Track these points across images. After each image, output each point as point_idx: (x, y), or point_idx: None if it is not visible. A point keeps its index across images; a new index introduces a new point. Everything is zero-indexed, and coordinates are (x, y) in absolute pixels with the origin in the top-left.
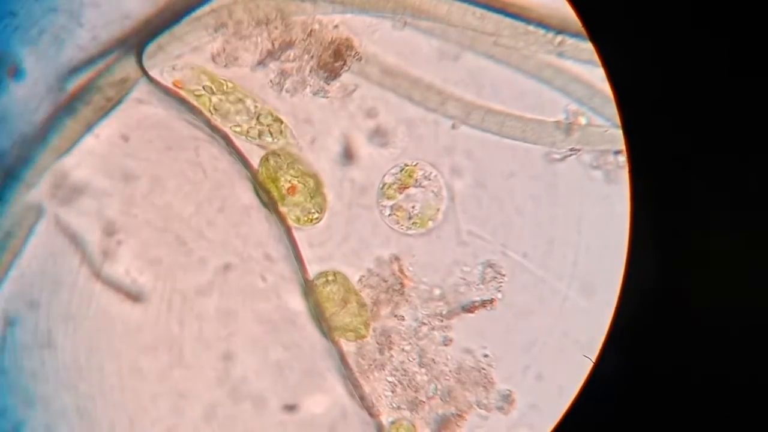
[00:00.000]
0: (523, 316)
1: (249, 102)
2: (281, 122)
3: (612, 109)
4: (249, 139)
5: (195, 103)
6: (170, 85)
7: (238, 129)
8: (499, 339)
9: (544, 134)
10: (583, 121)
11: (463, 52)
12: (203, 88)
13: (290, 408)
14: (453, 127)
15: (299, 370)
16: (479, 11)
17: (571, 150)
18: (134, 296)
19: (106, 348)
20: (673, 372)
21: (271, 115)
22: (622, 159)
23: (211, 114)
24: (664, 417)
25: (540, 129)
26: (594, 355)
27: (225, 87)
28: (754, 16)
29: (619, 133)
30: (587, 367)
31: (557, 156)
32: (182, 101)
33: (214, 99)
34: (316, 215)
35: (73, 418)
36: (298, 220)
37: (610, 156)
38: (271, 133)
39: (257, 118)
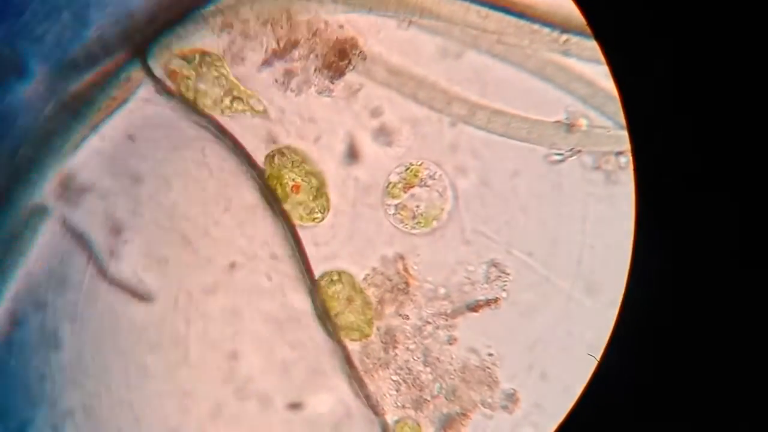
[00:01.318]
0: (528, 315)
1: (221, 75)
2: (245, 93)
3: (614, 107)
4: (225, 113)
5: (195, 101)
6: (167, 80)
7: (209, 102)
8: (503, 338)
9: (550, 136)
10: (584, 123)
11: (467, 50)
12: (191, 63)
13: (295, 407)
14: (452, 124)
15: (304, 368)
16: (484, 10)
17: (572, 151)
18: (140, 295)
19: (113, 347)
20: (678, 371)
21: (238, 88)
22: (624, 160)
23: (192, 92)
24: (668, 416)
25: (546, 130)
26: (598, 354)
27: (209, 60)
28: (760, 15)
29: (621, 134)
30: (592, 366)
31: (558, 158)
32: (187, 101)
33: (199, 78)
34: (319, 215)
35: (79, 418)
36: (300, 218)
37: (612, 157)
38: (241, 102)
39: (227, 92)
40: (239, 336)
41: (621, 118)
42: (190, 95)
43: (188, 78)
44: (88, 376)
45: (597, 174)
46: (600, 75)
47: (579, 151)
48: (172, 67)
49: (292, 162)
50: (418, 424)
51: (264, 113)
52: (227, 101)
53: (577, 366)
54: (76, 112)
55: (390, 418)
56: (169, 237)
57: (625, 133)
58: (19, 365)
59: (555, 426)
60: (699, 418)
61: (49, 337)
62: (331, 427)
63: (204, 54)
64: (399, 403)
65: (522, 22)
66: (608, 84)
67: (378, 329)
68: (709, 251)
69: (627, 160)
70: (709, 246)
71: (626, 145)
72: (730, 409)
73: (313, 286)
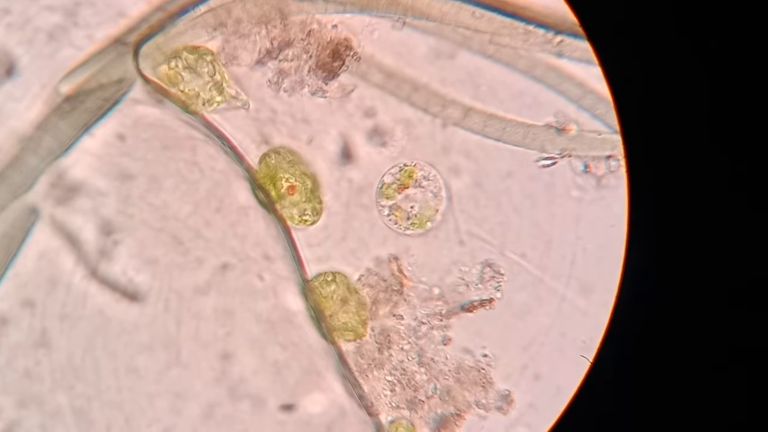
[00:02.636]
0: (521, 315)
1: (209, 64)
2: (229, 83)
3: (604, 108)
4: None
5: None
6: (162, 83)
7: (192, 91)
8: (497, 339)
9: (544, 140)
10: (574, 128)
11: (461, 50)
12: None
13: (288, 408)
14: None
15: (297, 369)
16: (479, 11)
17: (560, 155)
18: (131, 295)
19: (103, 347)
20: (671, 372)
21: (224, 78)
22: (615, 163)
23: (185, 90)
24: (661, 416)
25: (540, 135)
26: (591, 355)
27: (199, 54)
28: (749, 16)
29: (611, 137)
30: (585, 367)
31: (547, 162)
32: (178, 101)
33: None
34: (310, 218)
35: (68, 418)
36: (292, 218)
37: (602, 161)
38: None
39: (216, 85)
40: (231, 337)
41: (611, 119)
42: (183, 94)
43: (181, 76)
44: (78, 377)
45: (589, 176)
46: (591, 76)
47: (569, 155)
48: (167, 70)
49: (288, 162)
50: (413, 425)
51: (244, 104)
52: (213, 93)
53: (571, 367)
54: (67, 112)
55: (384, 418)
56: (160, 237)
57: (615, 136)
58: (6, 364)
59: (548, 426)
60: (692, 418)
61: (38, 337)
62: (324, 428)
63: (195, 48)
64: (393, 404)
65: (516, 23)
66: (599, 85)
67: (372, 330)
68: (701, 251)
69: (617, 163)
70: (702, 246)
71: (617, 148)
72: (724, 408)
73: (307, 288)
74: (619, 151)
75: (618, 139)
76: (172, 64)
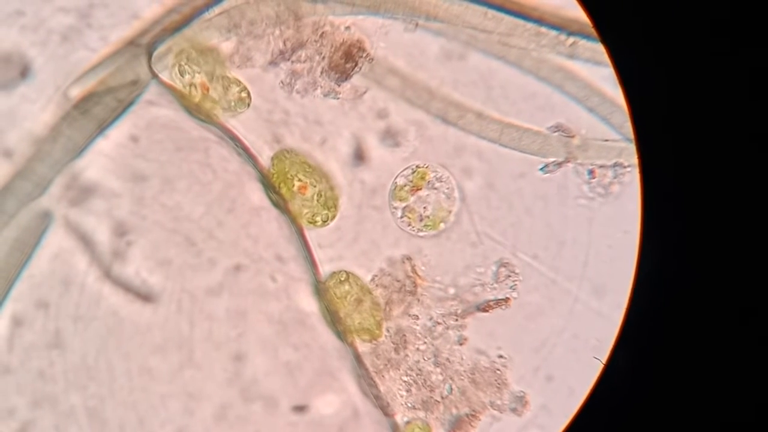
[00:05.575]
0: (534, 317)
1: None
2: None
3: (608, 108)
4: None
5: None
6: (184, 87)
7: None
8: (509, 340)
9: (559, 149)
10: (577, 139)
11: (471, 52)
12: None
13: (300, 409)
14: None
15: (310, 370)
16: (491, 12)
17: (563, 160)
18: (144, 296)
19: (116, 348)
20: (684, 373)
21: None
22: (620, 171)
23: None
24: (674, 417)
25: (556, 144)
26: (604, 356)
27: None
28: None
29: (617, 144)
30: (598, 368)
31: (552, 168)
32: (190, 102)
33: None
34: (320, 223)
35: (82, 419)
36: (308, 217)
37: (609, 169)
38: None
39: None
40: (244, 338)
41: (616, 119)
42: (201, 98)
43: (197, 83)
44: (92, 377)
45: (596, 183)
46: (597, 77)
47: (571, 162)
48: (201, 80)
49: (300, 163)
50: (429, 425)
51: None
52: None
53: (584, 368)
54: (81, 114)
55: (400, 418)
56: (173, 238)
57: (621, 143)
58: (20, 365)
59: (561, 428)
60: (704, 419)
61: (51, 338)
62: (336, 429)
63: (209, 50)
64: (409, 404)
65: (529, 24)
66: (605, 86)
67: (388, 330)
68: (715, 253)
69: (623, 170)
70: (715, 249)
71: (623, 154)
72: (735, 410)
73: (321, 288)
74: (626, 156)
75: (624, 145)
76: (187, 78)
